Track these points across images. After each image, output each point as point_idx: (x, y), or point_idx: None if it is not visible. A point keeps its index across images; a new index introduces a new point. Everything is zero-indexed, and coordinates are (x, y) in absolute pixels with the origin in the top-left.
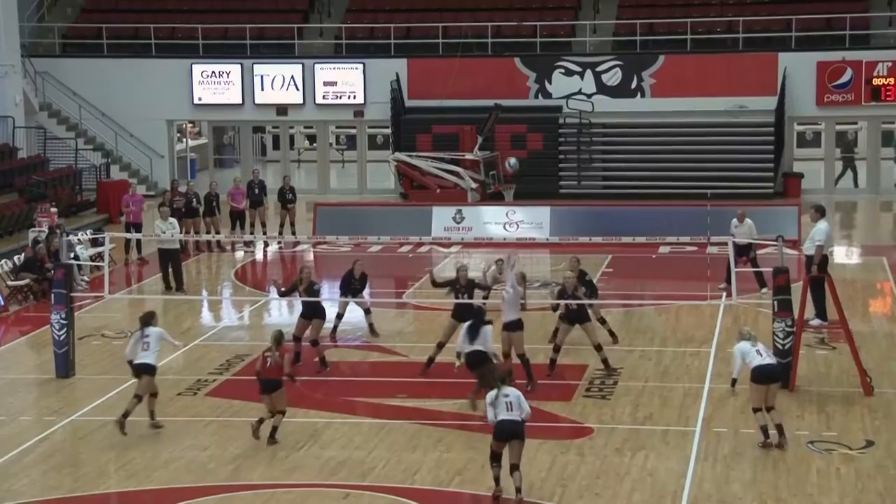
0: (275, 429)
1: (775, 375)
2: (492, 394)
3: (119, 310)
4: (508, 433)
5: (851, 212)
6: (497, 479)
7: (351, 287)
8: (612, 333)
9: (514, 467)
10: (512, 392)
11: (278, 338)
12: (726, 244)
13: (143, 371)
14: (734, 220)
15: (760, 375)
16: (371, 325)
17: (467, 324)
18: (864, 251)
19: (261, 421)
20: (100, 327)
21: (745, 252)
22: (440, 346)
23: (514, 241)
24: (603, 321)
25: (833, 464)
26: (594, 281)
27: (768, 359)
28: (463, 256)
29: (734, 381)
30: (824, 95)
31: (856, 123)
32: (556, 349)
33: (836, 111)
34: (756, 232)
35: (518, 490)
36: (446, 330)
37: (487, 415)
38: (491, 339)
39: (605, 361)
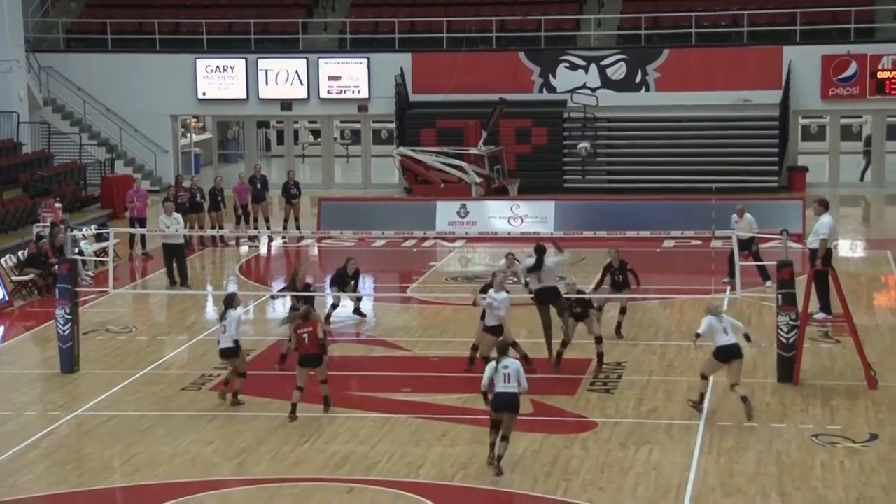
0: (326, 398)
1: (737, 354)
2: (491, 365)
3: (123, 305)
4: (503, 404)
5: (856, 205)
6: (492, 446)
7: (345, 283)
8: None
9: (504, 438)
10: (511, 364)
11: (306, 314)
12: (730, 238)
13: (225, 356)
14: (734, 216)
15: (721, 354)
16: (358, 309)
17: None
18: (868, 245)
19: (294, 407)
20: (104, 322)
21: (746, 246)
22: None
23: (518, 235)
24: (599, 308)
25: (837, 457)
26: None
27: (732, 338)
28: (467, 251)
29: (697, 335)
30: (829, 89)
31: (860, 117)
32: (565, 344)
33: (841, 105)
34: (756, 226)
35: (499, 458)
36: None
37: (483, 381)
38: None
39: (600, 356)
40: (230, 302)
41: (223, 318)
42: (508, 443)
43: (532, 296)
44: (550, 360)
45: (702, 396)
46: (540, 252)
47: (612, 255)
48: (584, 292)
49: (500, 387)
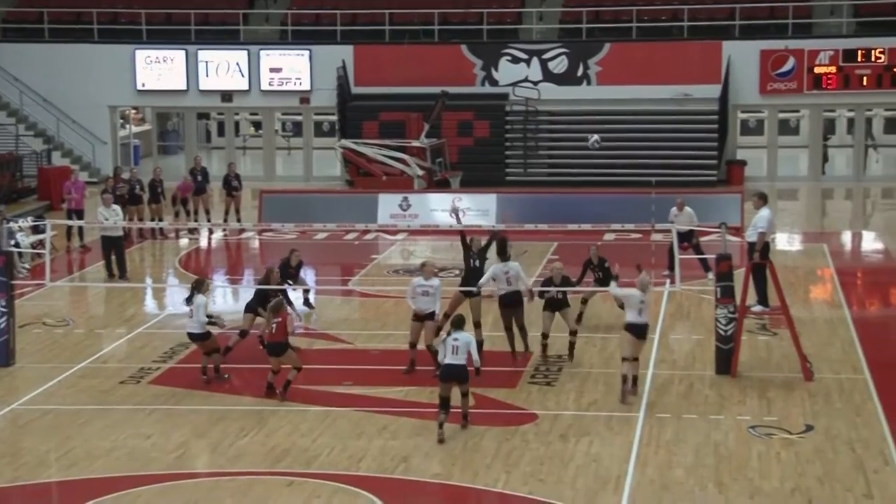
0: (288, 383)
1: (644, 333)
2: (448, 338)
3: (61, 298)
4: (450, 375)
5: (794, 199)
6: (441, 424)
7: (287, 274)
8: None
9: (464, 395)
10: (462, 337)
11: (278, 306)
12: (670, 231)
13: (193, 340)
14: (673, 209)
15: (633, 329)
16: (307, 300)
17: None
18: (805, 238)
19: (270, 386)
20: (41, 315)
21: (686, 238)
22: (447, 316)
23: (460, 228)
24: (584, 301)
25: (773, 448)
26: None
27: (643, 318)
28: (409, 244)
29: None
30: (767, 83)
31: (798, 112)
32: (545, 336)
33: (779, 99)
34: (696, 220)
35: (464, 415)
36: (453, 301)
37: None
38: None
39: (572, 346)
40: (198, 286)
41: (189, 303)
42: (468, 398)
43: (477, 295)
44: (514, 358)
45: (625, 378)
46: (501, 244)
47: (592, 252)
48: (569, 277)
49: (449, 358)
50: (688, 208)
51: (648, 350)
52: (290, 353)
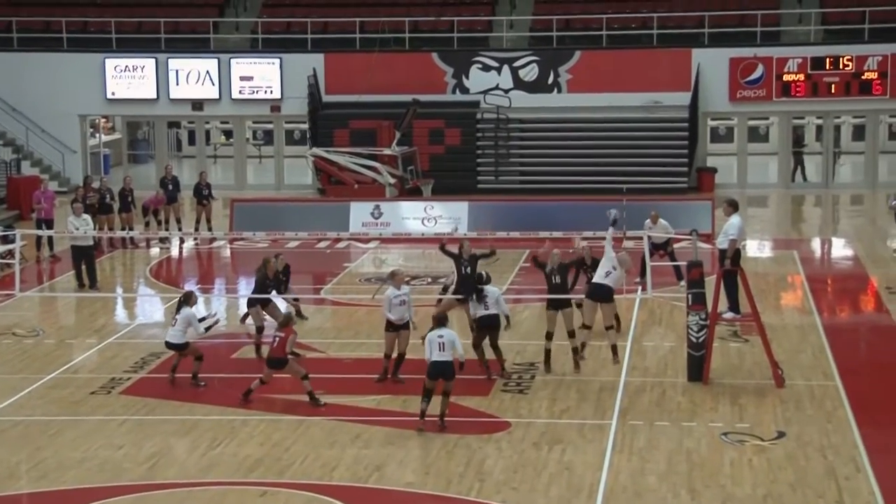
0: (310, 393)
1: (604, 296)
2: (431, 334)
3: (30, 308)
4: (438, 372)
5: (764, 206)
6: (423, 413)
7: (276, 279)
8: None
9: (446, 394)
10: (447, 334)
11: (286, 320)
12: (642, 239)
13: (170, 348)
14: (647, 222)
15: (592, 290)
16: (298, 310)
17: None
18: (775, 245)
19: (248, 392)
20: (10, 325)
21: (662, 246)
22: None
23: (432, 236)
24: (579, 306)
25: (746, 455)
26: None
27: (608, 281)
28: (381, 252)
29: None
30: (737, 91)
31: (767, 119)
32: (549, 336)
33: (748, 106)
34: (672, 230)
35: (442, 415)
36: (443, 307)
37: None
38: (503, 302)
39: (574, 350)
40: (186, 299)
41: (177, 313)
42: (449, 398)
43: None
44: (487, 374)
45: (583, 346)
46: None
47: (585, 252)
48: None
49: (436, 355)
50: (662, 220)
51: (621, 357)
52: (290, 365)
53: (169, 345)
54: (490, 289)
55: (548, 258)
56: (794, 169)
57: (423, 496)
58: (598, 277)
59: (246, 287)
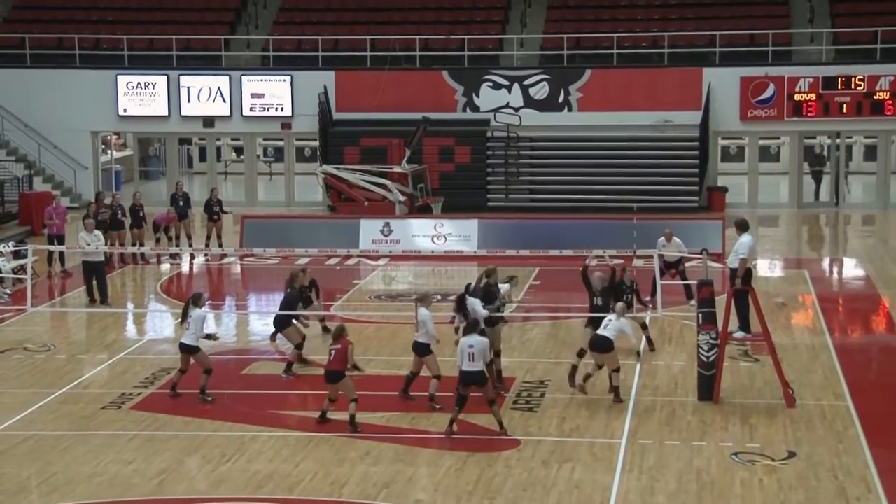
0: (352, 417)
1: (605, 346)
2: (462, 341)
3: (42, 323)
4: (469, 381)
5: (774, 225)
6: (452, 421)
7: (303, 295)
8: (649, 340)
9: (491, 403)
10: (477, 343)
11: (339, 332)
12: (652, 257)
13: (183, 351)
14: (661, 240)
15: (595, 344)
16: (325, 327)
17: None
18: (786, 264)
19: (323, 414)
20: (22, 341)
21: (674, 265)
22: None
23: (442, 253)
24: (644, 327)
25: (756, 475)
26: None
27: (606, 332)
28: (391, 269)
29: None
30: (748, 110)
31: (778, 138)
32: (581, 354)
33: (759, 126)
34: (685, 249)
35: (500, 423)
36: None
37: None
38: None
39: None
40: (195, 301)
41: (186, 317)
42: (494, 405)
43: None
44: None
45: (586, 375)
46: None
47: (626, 273)
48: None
49: (466, 365)
50: (676, 238)
51: (630, 377)
52: (345, 381)
53: (183, 346)
54: (477, 338)
55: (597, 277)
56: (817, 188)
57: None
58: (599, 329)
59: (259, 303)
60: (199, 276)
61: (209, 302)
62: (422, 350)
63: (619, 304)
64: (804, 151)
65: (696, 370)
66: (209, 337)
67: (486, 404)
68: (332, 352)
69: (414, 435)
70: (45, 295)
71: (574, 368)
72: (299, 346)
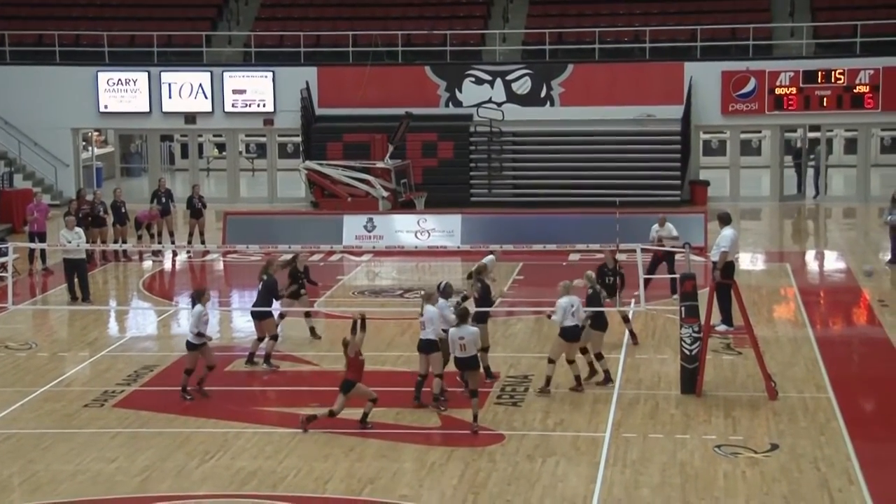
0: (364, 415)
1: (577, 336)
2: (452, 332)
3: (23, 321)
4: (463, 366)
5: (756, 219)
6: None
7: (297, 277)
8: (632, 334)
9: (473, 393)
10: (467, 334)
11: (349, 343)
12: (635, 251)
13: (188, 348)
14: (655, 225)
15: (567, 334)
16: (313, 328)
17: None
18: (768, 257)
19: (364, 417)
20: (3, 339)
21: (666, 257)
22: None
23: (425, 249)
24: (626, 320)
25: (739, 467)
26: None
27: (575, 320)
28: (374, 265)
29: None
30: (729, 104)
31: (759, 132)
32: (584, 351)
33: (741, 120)
34: (676, 233)
35: (475, 416)
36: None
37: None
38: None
39: (590, 364)
40: (198, 297)
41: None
42: (478, 397)
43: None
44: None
45: (548, 380)
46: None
47: (608, 258)
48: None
49: (458, 353)
50: (669, 224)
51: (614, 370)
52: (358, 388)
53: (189, 345)
54: (467, 329)
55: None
56: (800, 181)
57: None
58: (569, 321)
59: (242, 300)
60: (182, 274)
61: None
62: (429, 348)
63: (563, 283)
64: (786, 145)
65: (678, 363)
66: (199, 335)
67: (469, 393)
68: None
69: (398, 430)
70: (26, 293)
71: (589, 364)
72: (275, 338)
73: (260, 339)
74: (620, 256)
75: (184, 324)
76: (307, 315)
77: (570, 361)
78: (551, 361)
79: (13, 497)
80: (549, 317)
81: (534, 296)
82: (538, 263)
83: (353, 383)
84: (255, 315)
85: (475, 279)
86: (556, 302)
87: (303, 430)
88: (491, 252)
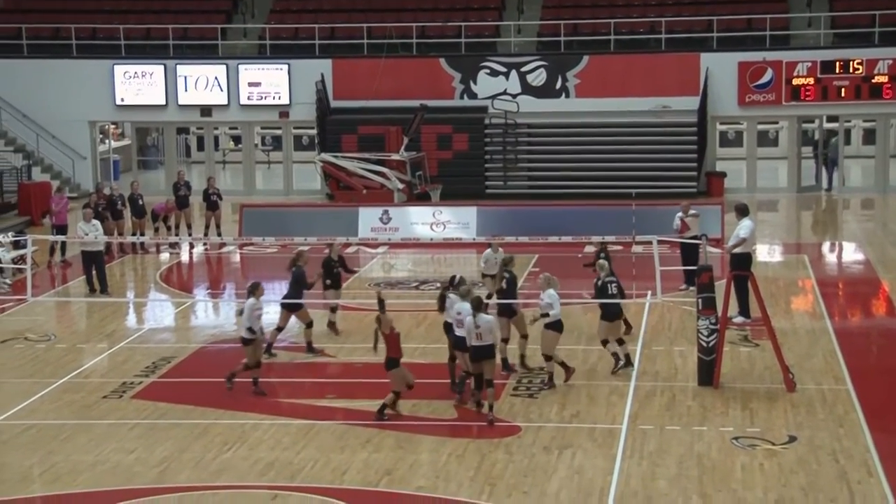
0: (383, 406)
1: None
2: (468, 320)
3: (43, 313)
4: (480, 355)
5: (773, 210)
6: (478, 403)
7: (331, 268)
8: (626, 322)
9: (489, 383)
10: (483, 322)
11: (382, 320)
12: (650, 243)
13: (242, 343)
14: (679, 213)
15: (559, 327)
16: (332, 322)
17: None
18: (785, 249)
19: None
20: (22, 331)
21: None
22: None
23: (440, 241)
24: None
25: (756, 459)
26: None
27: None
28: (390, 257)
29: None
30: (746, 95)
31: (776, 123)
32: (605, 343)
33: (758, 111)
34: (699, 215)
35: (490, 407)
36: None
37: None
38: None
39: (626, 355)
40: (252, 290)
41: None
42: (493, 388)
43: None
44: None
45: (550, 376)
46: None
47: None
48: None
49: (475, 342)
50: (693, 209)
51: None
52: (396, 371)
53: (243, 340)
54: (483, 317)
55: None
56: (829, 175)
57: (434, 500)
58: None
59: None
60: (199, 266)
61: (208, 291)
62: (463, 345)
63: (543, 275)
64: (803, 136)
65: (695, 355)
66: (250, 330)
67: (484, 382)
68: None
69: (415, 422)
70: (45, 285)
71: (614, 355)
72: (310, 325)
73: (279, 330)
74: (637, 248)
75: (201, 315)
76: (333, 310)
77: (548, 357)
78: (549, 358)
79: (34, 487)
80: (546, 314)
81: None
82: (553, 255)
83: (396, 360)
84: (284, 306)
85: (502, 270)
86: (546, 295)
87: (381, 420)
88: (489, 245)
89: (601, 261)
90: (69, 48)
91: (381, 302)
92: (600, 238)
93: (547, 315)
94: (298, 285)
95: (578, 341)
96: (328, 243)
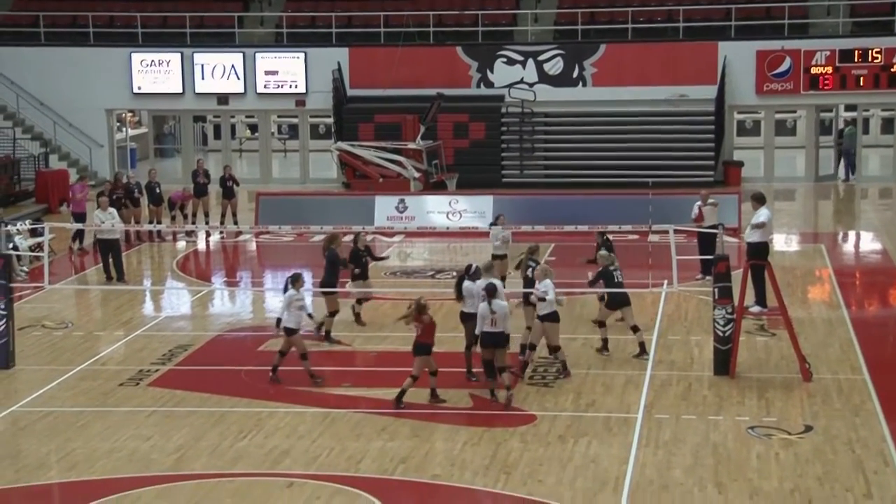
0: (402, 392)
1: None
2: (482, 307)
3: (60, 300)
4: (492, 342)
5: (791, 199)
6: (492, 392)
7: (359, 258)
8: None
9: (502, 370)
10: (499, 310)
11: (420, 306)
12: (667, 233)
13: (286, 333)
14: (698, 202)
15: (555, 317)
16: (358, 315)
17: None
18: (802, 238)
19: (433, 393)
20: (40, 318)
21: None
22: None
23: (457, 230)
24: (602, 299)
25: (773, 449)
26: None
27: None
28: (406, 246)
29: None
30: (763, 84)
31: (794, 112)
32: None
33: (776, 100)
34: (718, 204)
35: (508, 387)
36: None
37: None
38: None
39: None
40: (292, 281)
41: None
42: (507, 371)
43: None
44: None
45: (564, 364)
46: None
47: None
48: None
49: (488, 328)
50: (711, 198)
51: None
52: (423, 358)
53: (286, 329)
54: (498, 303)
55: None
56: (847, 165)
57: (449, 488)
58: (543, 309)
59: (275, 280)
60: (215, 254)
61: (225, 279)
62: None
63: (540, 266)
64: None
65: (712, 345)
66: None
67: (497, 370)
68: (419, 327)
69: (430, 410)
70: (62, 272)
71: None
72: (333, 314)
73: (332, 314)
74: (653, 238)
75: (217, 304)
76: (359, 301)
77: (532, 347)
78: (558, 349)
79: (51, 474)
80: (542, 299)
81: (565, 277)
82: (570, 244)
83: (428, 347)
84: (326, 292)
85: (528, 259)
86: (543, 285)
87: (399, 408)
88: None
89: (602, 251)
90: (86, 36)
91: (421, 307)
92: (600, 227)
93: (543, 300)
94: (334, 267)
95: (594, 330)
96: (354, 234)
